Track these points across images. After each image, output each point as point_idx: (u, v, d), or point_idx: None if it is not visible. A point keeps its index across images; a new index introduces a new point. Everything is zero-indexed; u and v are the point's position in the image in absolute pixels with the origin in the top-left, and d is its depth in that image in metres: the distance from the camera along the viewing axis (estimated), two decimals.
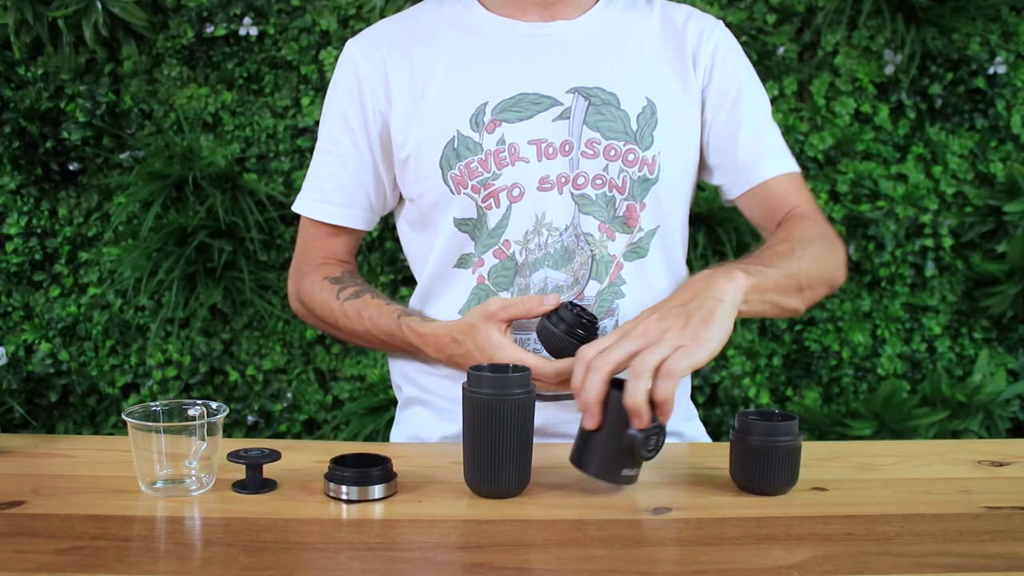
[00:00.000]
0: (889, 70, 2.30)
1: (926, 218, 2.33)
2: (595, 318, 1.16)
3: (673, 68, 1.32)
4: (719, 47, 1.34)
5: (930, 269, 2.35)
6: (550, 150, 1.25)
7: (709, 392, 2.37)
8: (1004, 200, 2.30)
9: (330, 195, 1.36)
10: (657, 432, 0.97)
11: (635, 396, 0.94)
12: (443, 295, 1.31)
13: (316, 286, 1.35)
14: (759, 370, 2.36)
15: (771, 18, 2.28)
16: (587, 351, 0.99)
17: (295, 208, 1.39)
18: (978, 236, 2.35)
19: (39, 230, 2.31)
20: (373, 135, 1.32)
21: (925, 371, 2.38)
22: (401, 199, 1.38)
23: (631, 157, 1.26)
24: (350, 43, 1.36)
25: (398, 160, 1.32)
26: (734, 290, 1.05)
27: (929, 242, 2.34)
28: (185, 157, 2.24)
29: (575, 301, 1.21)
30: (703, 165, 1.37)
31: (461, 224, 1.28)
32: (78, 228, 2.32)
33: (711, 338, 0.98)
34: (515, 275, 1.26)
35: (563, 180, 1.25)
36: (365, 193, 1.35)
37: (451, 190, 1.27)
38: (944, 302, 2.38)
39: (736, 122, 1.34)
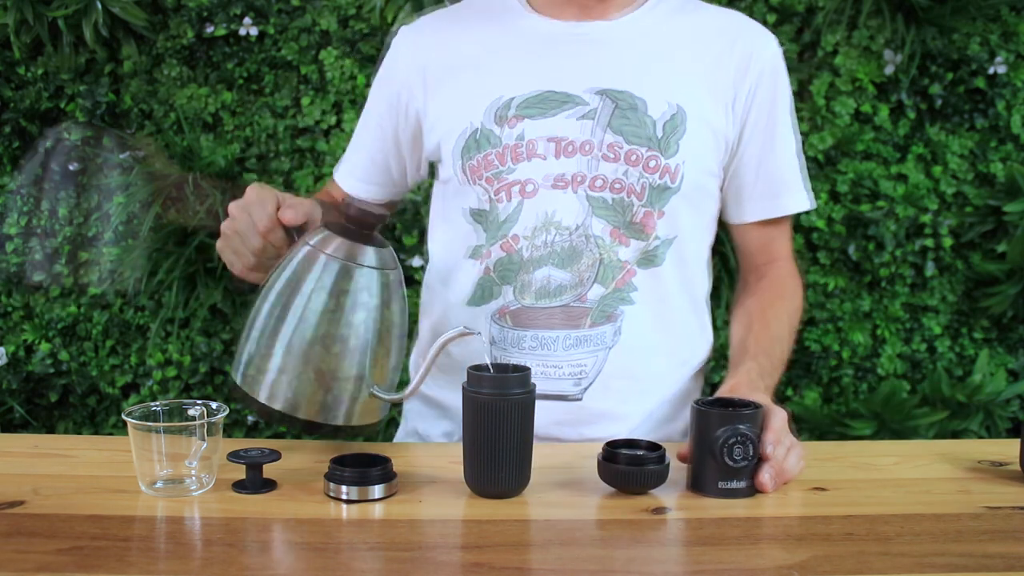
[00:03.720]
0: (889, 70, 2.30)
1: (926, 218, 2.32)
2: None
3: (710, 79, 1.29)
4: (764, 74, 1.31)
5: (930, 269, 2.35)
6: (569, 149, 1.25)
7: (709, 392, 2.36)
8: (1004, 200, 2.29)
9: (354, 168, 1.44)
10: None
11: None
12: (452, 283, 1.32)
13: None
14: None
15: (771, 18, 2.28)
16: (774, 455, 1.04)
17: (334, 173, 1.48)
18: (978, 236, 2.35)
19: (39, 230, 2.31)
20: (402, 125, 1.36)
21: (925, 371, 2.38)
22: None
23: (652, 164, 1.25)
24: (403, 31, 1.38)
25: (428, 148, 1.33)
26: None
27: (929, 242, 2.33)
28: (185, 157, 2.24)
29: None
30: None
31: (475, 215, 1.29)
32: (78, 228, 2.32)
33: None
34: (519, 270, 1.26)
35: (578, 180, 1.25)
36: (380, 171, 1.42)
37: (468, 179, 1.27)
38: (944, 302, 2.38)
39: (758, 154, 1.33)
